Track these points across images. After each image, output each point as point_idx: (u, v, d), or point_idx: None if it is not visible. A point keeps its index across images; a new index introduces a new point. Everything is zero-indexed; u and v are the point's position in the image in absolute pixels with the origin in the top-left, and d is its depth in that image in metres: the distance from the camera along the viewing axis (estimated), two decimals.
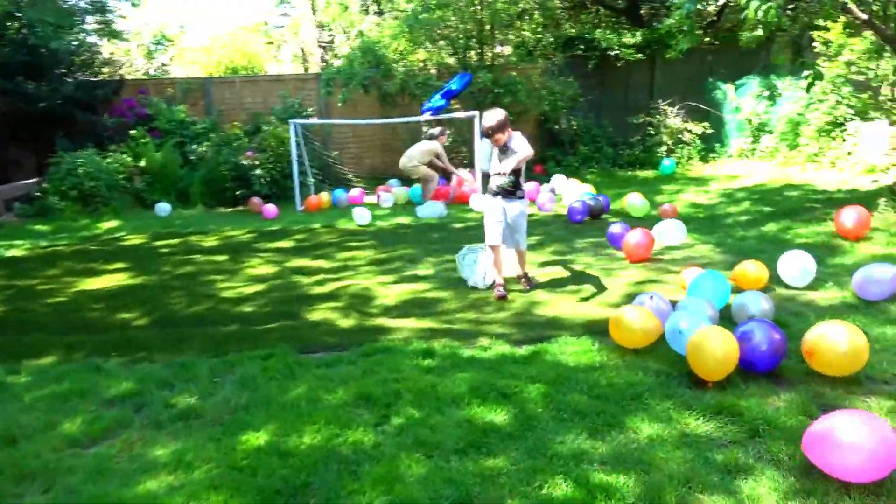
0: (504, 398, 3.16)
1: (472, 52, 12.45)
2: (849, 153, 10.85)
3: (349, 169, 12.66)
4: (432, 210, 9.10)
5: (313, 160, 11.68)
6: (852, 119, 10.95)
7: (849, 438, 2.28)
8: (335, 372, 3.63)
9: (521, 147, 4.91)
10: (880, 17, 6.51)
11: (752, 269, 4.73)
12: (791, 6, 6.69)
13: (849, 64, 10.61)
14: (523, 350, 3.82)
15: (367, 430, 2.96)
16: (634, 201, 8.02)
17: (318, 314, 4.84)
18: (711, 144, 13.00)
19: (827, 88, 11.23)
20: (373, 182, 12.40)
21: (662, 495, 2.35)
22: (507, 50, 13.43)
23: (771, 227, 6.83)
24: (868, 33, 10.00)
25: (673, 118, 12.87)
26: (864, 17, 6.48)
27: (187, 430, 3.09)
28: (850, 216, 5.82)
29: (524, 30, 12.89)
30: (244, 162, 10.76)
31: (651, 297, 3.97)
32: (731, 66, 12.98)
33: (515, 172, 5.02)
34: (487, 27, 12.23)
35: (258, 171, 10.71)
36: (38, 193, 10.34)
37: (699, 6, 7.51)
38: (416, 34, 11.97)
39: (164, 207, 10.33)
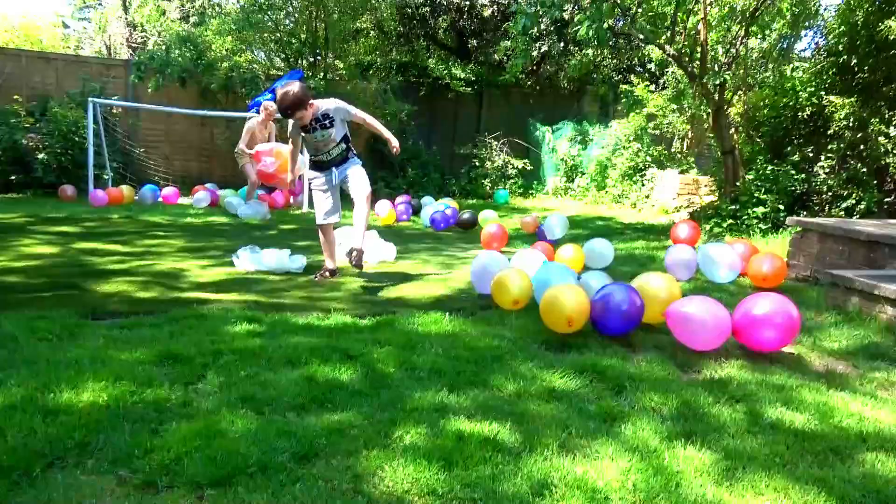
0: (349, 359, 2.70)
1: (305, 61, 11.98)
2: (646, 196, 12.04)
3: (157, 169, 11.33)
4: (254, 210, 8.34)
5: (114, 152, 10.27)
6: (650, 166, 12.22)
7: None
8: (133, 334, 2.89)
9: (355, 111, 4.56)
10: (687, 56, 7.27)
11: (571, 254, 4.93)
12: (616, 37, 7.23)
13: (648, 117, 11.87)
14: (367, 321, 3.38)
15: (174, 389, 2.32)
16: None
17: (113, 287, 3.97)
18: (530, 181, 13.72)
19: (630, 137, 12.48)
20: (182, 182, 11.22)
21: (542, 440, 2.04)
22: (341, 64, 13.16)
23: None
24: (664, 92, 11.35)
25: (497, 152, 13.40)
26: (674, 54, 7.19)
27: None
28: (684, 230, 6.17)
29: (360, 50, 12.75)
30: (26, 143, 9.11)
31: None
32: (549, 110, 13.94)
33: (346, 139, 4.63)
34: (322, 38, 11.89)
35: (42, 156, 9.11)
36: None
37: (534, 28, 7.81)
38: (245, 33, 11.23)
39: None
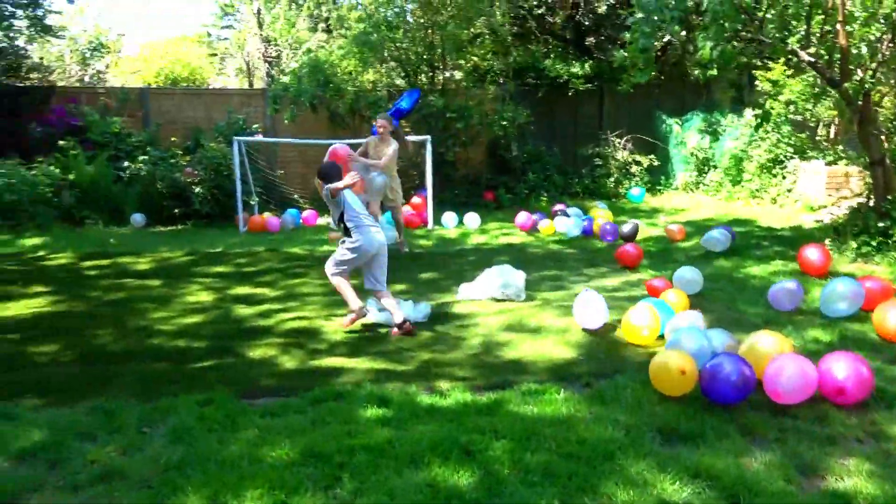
0: (468, 456, 2.91)
1: (423, 76, 12.32)
2: (788, 190, 11.21)
3: (295, 189, 12.25)
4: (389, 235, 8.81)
5: (257, 179, 11.24)
6: (792, 157, 11.34)
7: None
8: (281, 422, 3.30)
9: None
10: (825, 61, 6.70)
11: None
12: (740, 45, 6.81)
13: (788, 103, 10.99)
14: (485, 398, 3.59)
15: (316, 494, 2.65)
16: None
17: (260, 351, 4.48)
18: (658, 177, 13.24)
19: (768, 127, 11.62)
20: (317, 203, 12.04)
21: None
22: (459, 74, 13.37)
23: (723, 264, 6.86)
24: (806, 75, 10.43)
25: (621, 150, 13.05)
26: (810, 59, 6.65)
27: (109, 494, 2.71)
28: (814, 254, 5.91)
29: (475, 55, 12.86)
30: (183, 179, 10.22)
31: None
32: (677, 101, 13.32)
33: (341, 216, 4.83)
34: (439, 51, 12.14)
35: (198, 190, 10.18)
36: None
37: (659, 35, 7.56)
38: (365, 54, 11.75)
39: (138, 219, 10.23)
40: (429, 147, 10.00)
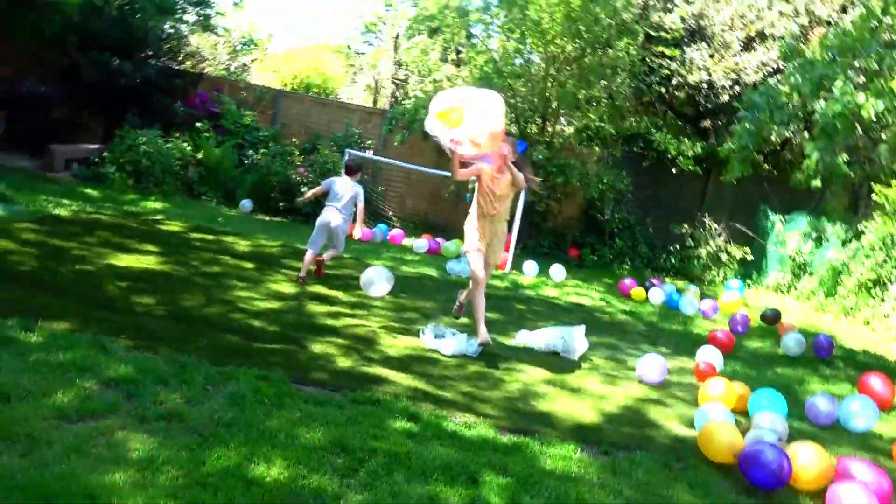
0: (472, 484, 3.19)
1: (534, 125, 12.75)
2: (886, 315, 10.67)
3: (390, 207, 12.93)
4: (462, 268, 9.22)
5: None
6: None
7: None
8: (321, 411, 3.70)
9: None
10: None
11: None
12: (848, 160, 6.76)
13: None
14: (505, 439, 3.84)
15: (333, 479, 3.01)
16: None
17: (321, 347, 4.94)
18: (749, 270, 12.94)
19: (877, 244, 11.16)
20: (410, 223, 12.68)
21: None
22: (569, 130, 13.72)
23: (787, 371, 6.74)
24: None
25: (717, 236, 12.89)
26: None
27: (167, 432, 3.18)
28: (877, 383, 5.73)
29: (590, 115, 13.17)
30: (294, 177, 11.09)
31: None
32: (785, 198, 13.01)
33: None
34: (554, 104, 12.54)
35: (305, 189, 11.00)
36: (97, 160, 10.80)
37: (763, 135, 7.62)
38: None
39: (246, 204, 11.03)
40: (522, 193, 10.36)
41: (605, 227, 12.78)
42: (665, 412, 4.84)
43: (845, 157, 6.53)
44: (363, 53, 29.38)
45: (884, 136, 6.69)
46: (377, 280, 6.90)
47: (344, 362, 4.70)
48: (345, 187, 7.30)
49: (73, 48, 11.39)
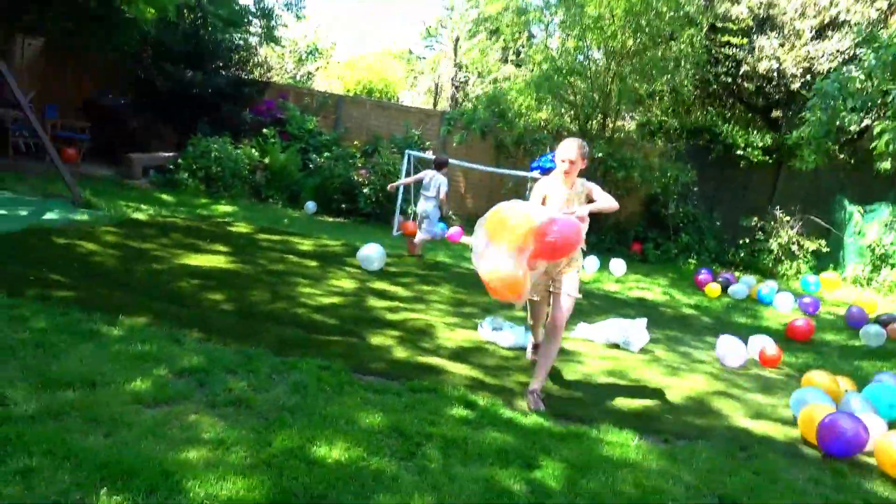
0: (526, 468, 3.22)
1: (595, 122, 12.59)
2: None
3: (450, 206, 13.04)
4: None
5: (418, 190, 12.16)
6: None
7: None
8: (380, 399, 3.81)
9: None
10: None
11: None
12: None
13: None
14: (562, 427, 3.85)
15: (391, 461, 3.10)
16: None
17: (380, 339, 5.07)
18: (825, 263, 12.37)
19: None
20: (470, 222, 12.74)
21: None
22: (631, 125, 13.47)
23: (863, 364, 6.43)
24: None
25: (789, 228, 12.37)
26: None
27: (236, 416, 3.36)
28: None
29: (653, 109, 12.90)
30: (356, 178, 11.37)
31: None
32: (864, 188, 12.37)
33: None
34: (614, 100, 12.36)
35: (366, 191, 11.27)
36: (172, 167, 11.39)
37: (836, 123, 7.30)
38: (542, 94, 12.31)
39: (311, 206, 11.37)
40: None
41: (668, 221, 12.48)
42: (729, 403, 4.72)
43: None
44: (423, 58, 29.74)
45: None
46: (377, 259, 7.52)
47: (402, 353, 4.81)
48: (433, 178, 8.71)
49: (148, 61, 12.06)
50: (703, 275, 10.05)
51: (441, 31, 27.91)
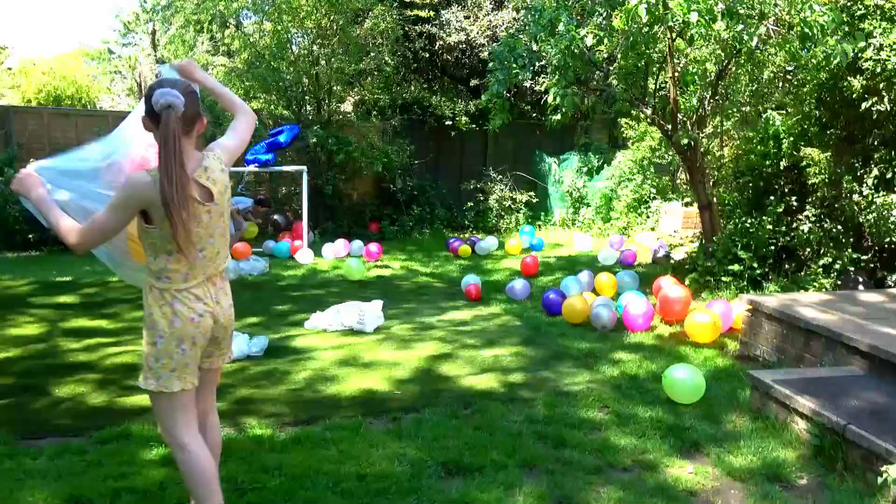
0: (241, 497, 2.88)
1: (308, 106, 12.32)
2: (651, 228, 11.95)
3: None
4: (251, 266, 8.64)
5: None
6: (655, 198, 12.13)
7: None
8: (53, 465, 3.14)
9: None
10: (659, 113, 7.27)
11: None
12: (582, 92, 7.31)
13: (652, 149, 11.79)
14: (284, 435, 3.57)
15: None
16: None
17: (69, 388, 4.26)
18: (538, 212, 13.78)
19: (634, 168, 12.42)
20: None
21: None
22: (348, 107, 13.47)
23: None
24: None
25: (502, 186, 13.50)
26: (649, 112, 7.21)
27: None
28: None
29: (365, 89, 13.00)
30: None
31: None
32: (556, 141, 13.97)
33: None
34: (326, 84, 12.20)
35: None
36: None
37: (516, 84, 8.01)
38: (248, 84, 11.69)
39: None
40: (305, 178, 9.96)
41: (399, 196, 12.80)
42: (456, 365, 4.86)
43: (574, 89, 6.97)
44: (118, 56, 26.53)
45: (612, 69, 7.30)
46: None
47: (97, 399, 4.09)
48: None
49: None
50: (454, 242, 10.76)
51: (136, 26, 25.18)
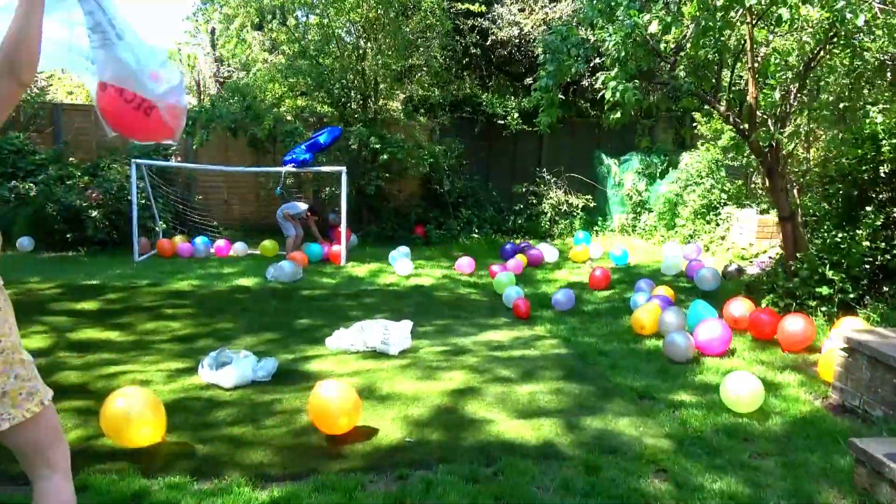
0: None
1: (354, 104, 11.84)
2: (721, 237, 10.88)
3: (215, 216, 11.59)
4: (281, 271, 8.18)
5: (166, 205, 10.59)
6: (726, 204, 11.04)
7: None
8: None
9: None
10: (735, 110, 6.35)
11: None
12: (646, 87, 6.47)
13: (725, 150, 10.72)
14: (266, 494, 2.97)
15: None
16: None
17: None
18: (595, 217, 12.89)
19: (703, 172, 11.36)
20: (241, 230, 11.50)
21: None
22: (395, 104, 12.94)
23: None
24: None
25: (556, 189, 12.68)
26: (722, 108, 6.30)
27: None
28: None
29: (414, 84, 12.42)
30: (78, 202, 9.46)
31: None
32: (617, 141, 13.02)
33: None
34: (373, 80, 11.68)
35: (94, 214, 9.45)
36: None
37: (573, 79, 7.25)
38: (292, 80, 11.31)
39: (25, 242, 9.59)
40: (344, 178, 9.44)
41: (446, 198, 12.16)
42: (483, 404, 4.16)
43: (636, 83, 6.17)
44: (180, 54, 26.96)
45: (679, 59, 6.42)
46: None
47: (77, 435, 3.60)
48: None
49: None
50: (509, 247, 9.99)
51: (198, 25, 25.50)
